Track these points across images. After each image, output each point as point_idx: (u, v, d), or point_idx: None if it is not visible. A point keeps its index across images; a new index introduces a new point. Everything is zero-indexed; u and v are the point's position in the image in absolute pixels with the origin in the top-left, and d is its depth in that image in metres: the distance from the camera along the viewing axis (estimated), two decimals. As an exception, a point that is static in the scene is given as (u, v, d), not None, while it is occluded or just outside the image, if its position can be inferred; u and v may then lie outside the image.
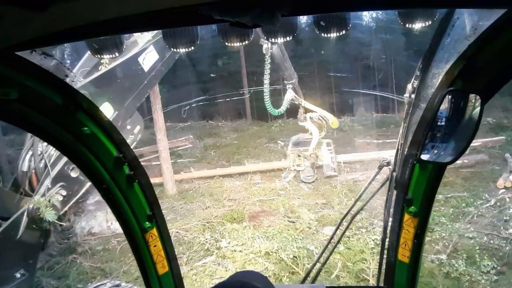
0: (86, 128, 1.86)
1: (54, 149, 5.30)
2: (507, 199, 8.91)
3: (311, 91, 17.76)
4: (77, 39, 1.63)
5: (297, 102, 10.95)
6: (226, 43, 1.86)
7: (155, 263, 2.32)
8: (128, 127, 6.70)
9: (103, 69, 5.90)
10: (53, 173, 5.19)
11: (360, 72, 19.90)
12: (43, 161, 5.22)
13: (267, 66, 9.10)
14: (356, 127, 17.02)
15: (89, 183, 5.52)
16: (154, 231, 2.26)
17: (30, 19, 1.10)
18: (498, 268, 6.73)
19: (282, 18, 1.29)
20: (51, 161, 5.24)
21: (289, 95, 10.55)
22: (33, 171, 5.22)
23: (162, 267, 2.36)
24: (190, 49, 1.94)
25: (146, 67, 6.58)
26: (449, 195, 9.28)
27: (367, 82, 19.51)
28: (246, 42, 1.88)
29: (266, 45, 8.53)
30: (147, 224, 2.21)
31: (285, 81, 10.55)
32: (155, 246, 2.28)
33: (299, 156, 11.65)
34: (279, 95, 12.87)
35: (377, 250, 7.48)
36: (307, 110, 11.35)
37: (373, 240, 7.78)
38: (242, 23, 1.27)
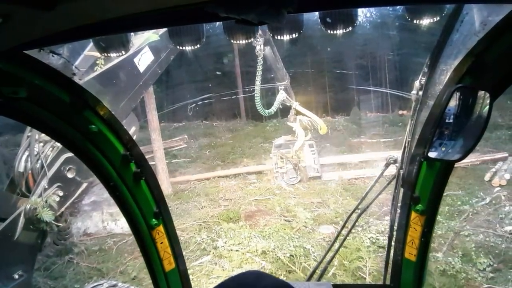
0: (93, 126, 1.87)
1: (50, 149, 5.27)
2: (502, 197, 8.99)
3: (304, 90, 17.86)
4: (85, 38, 1.63)
5: (288, 104, 11.03)
6: (232, 41, 1.86)
7: (161, 260, 2.34)
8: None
9: (98, 70, 5.82)
10: (50, 173, 5.12)
11: (354, 70, 19.94)
12: (39, 161, 5.16)
13: (259, 68, 9.09)
14: (350, 126, 17.06)
15: (85, 184, 5.49)
16: (161, 228, 2.28)
17: (38, 18, 1.08)
18: (494, 265, 6.77)
19: (288, 15, 1.28)
20: (48, 161, 5.18)
21: (281, 96, 10.61)
22: (30, 171, 5.16)
23: (169, 263, 2.39)
24: (195, 47, 1.93)
25: (141, 68, 6.50)
26: (444, 194, 9.30)
27: (361, 79, 19.57)
28: (252, 39, 1.89)
29: (258, 46, 8.54)
30: (154, 221, 2.23)
31: (277, 82, 10.57)
32: (161, 243, 2.30)
33: (281, 158, 11.71)
34: (271, 95, 12.91)
35: (373, 248, 7.53)
36: (298, 112, 11.42)
37: (369, 239, 7.81)
38: (247, 21, 1.26)
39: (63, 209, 5.25)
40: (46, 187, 5.01)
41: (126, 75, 6.38)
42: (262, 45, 8.46)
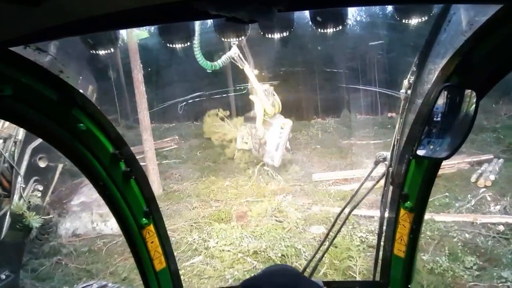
0: (81, 125, 1.83)
1: (13, 144, 4.99)
2: (488, 198, 9.15)
3: (295, 89, 17.85)
4: (71, 35, 1.59)
5: (239, 64, 9.85)
6: (222, 39, 1.85)
7: (152, 259, 2.31)
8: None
9: None
10: (22, 171, 4.87)
11: (345, 70, 19.99)
12: (7, 160, 4.88)
13: None
14: (340, 128, 17.16)
15: (61, 165, 5.25)
16: (151, 227, 2.24)
17: (24, 15, 1.07)
18: (480, 263, 6.92)
19: (278, 14, 1.29)
20: (16, 157, 4.90)
21: (231, 52, 9.49)
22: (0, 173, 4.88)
23: (160, 263, 2.36)
24: (185, 45, 1.92)
25: None
26: (432, 197, 9.46)
27: (351, 80, 19.63)
28: (243, 37, 1.88)
29: None
30: (144, 220, 2.20)
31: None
32: (152, 242, 2.27)
33: (248, 133, 10.75)
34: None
35: (362, 247, 7.59)
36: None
37: (359, 238, 7.88)
38: (238, 18, 1.27)
39: (47, 198, 5.07)
40: (24, 186, 4.84)
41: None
42: None
